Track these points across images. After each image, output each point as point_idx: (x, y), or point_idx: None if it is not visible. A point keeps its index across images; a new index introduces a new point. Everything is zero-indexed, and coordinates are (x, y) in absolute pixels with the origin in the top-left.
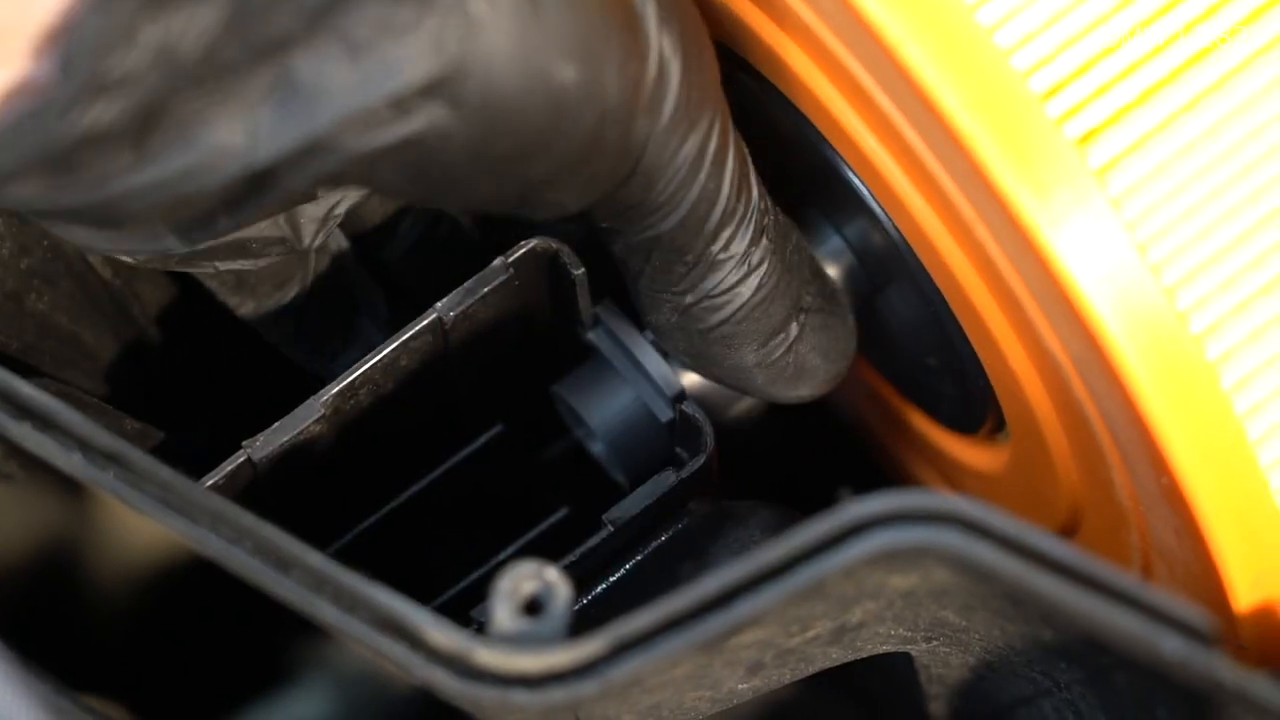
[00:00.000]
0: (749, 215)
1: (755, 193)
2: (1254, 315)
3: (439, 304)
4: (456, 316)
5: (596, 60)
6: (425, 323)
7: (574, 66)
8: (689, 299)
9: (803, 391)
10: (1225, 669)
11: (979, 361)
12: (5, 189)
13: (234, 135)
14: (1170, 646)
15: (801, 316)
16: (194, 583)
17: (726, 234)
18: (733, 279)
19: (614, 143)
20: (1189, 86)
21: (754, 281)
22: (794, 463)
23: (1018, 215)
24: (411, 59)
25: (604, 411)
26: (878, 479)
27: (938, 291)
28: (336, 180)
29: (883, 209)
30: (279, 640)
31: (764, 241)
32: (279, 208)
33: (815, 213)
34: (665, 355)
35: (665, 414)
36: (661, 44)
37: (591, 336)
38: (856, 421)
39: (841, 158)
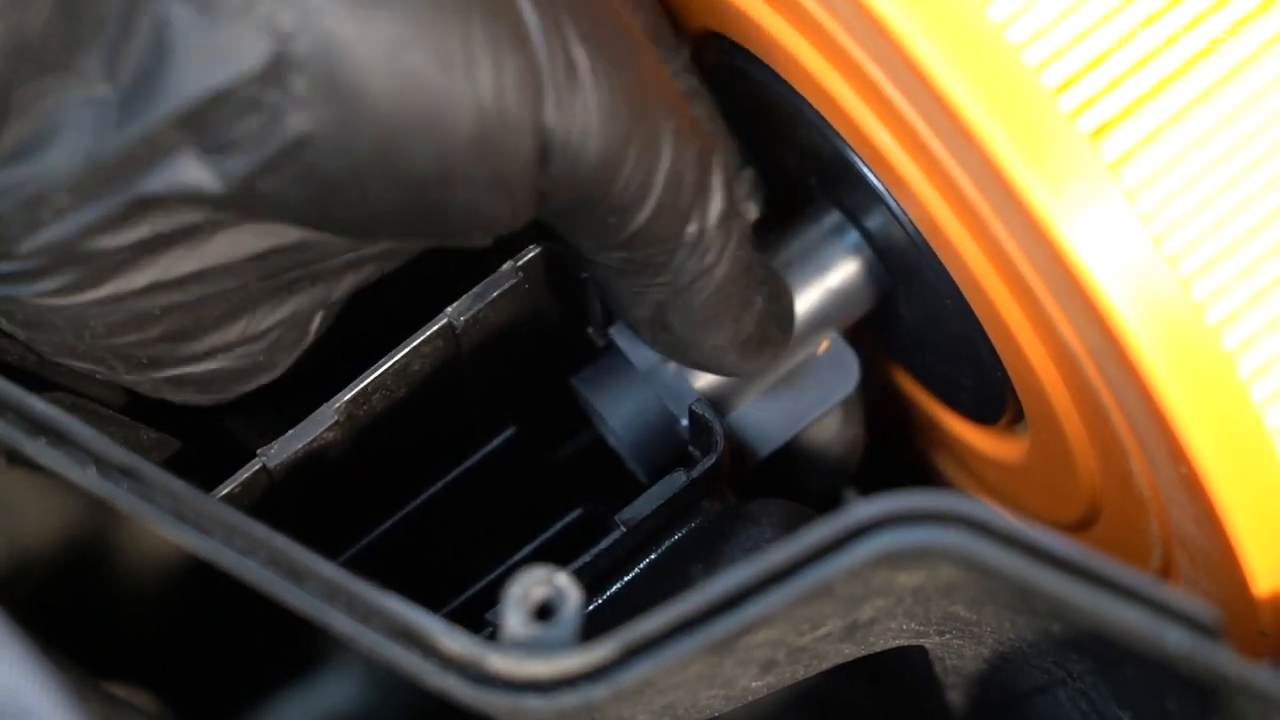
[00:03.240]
0: (714, 190)
1: (719, 168)
2: (1271, 304)
3: (449, 309)
4: (467, 321)
5: (452, 45)
6: (436, 328)
7: (424, 50)
8: (673, 286)
9: (763, 361)
10: (1229, 661)
11: (996, 353)
12: None
13: (81, 127)
14: (1175, 640)
15: (762, 289)
16: (222, 571)
17: (698, 213)
18: (711, 256)
19: (509, 141)
20: (1200, 78)
21: (729, 255)
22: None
23: (1032, 209)
24: (246, 40)
25: (621, 409)
26: (904, 472)
27: (954, 285)
28: (220, 203)
29: (899, 205)
30: (308, 626)
31: (732, 215)
32: (154, 237)
33: (833, 207)
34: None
35: (683, 412)
36: (549, 33)
37: (613, 333)
38: (880, 414)
39: (857, 154)
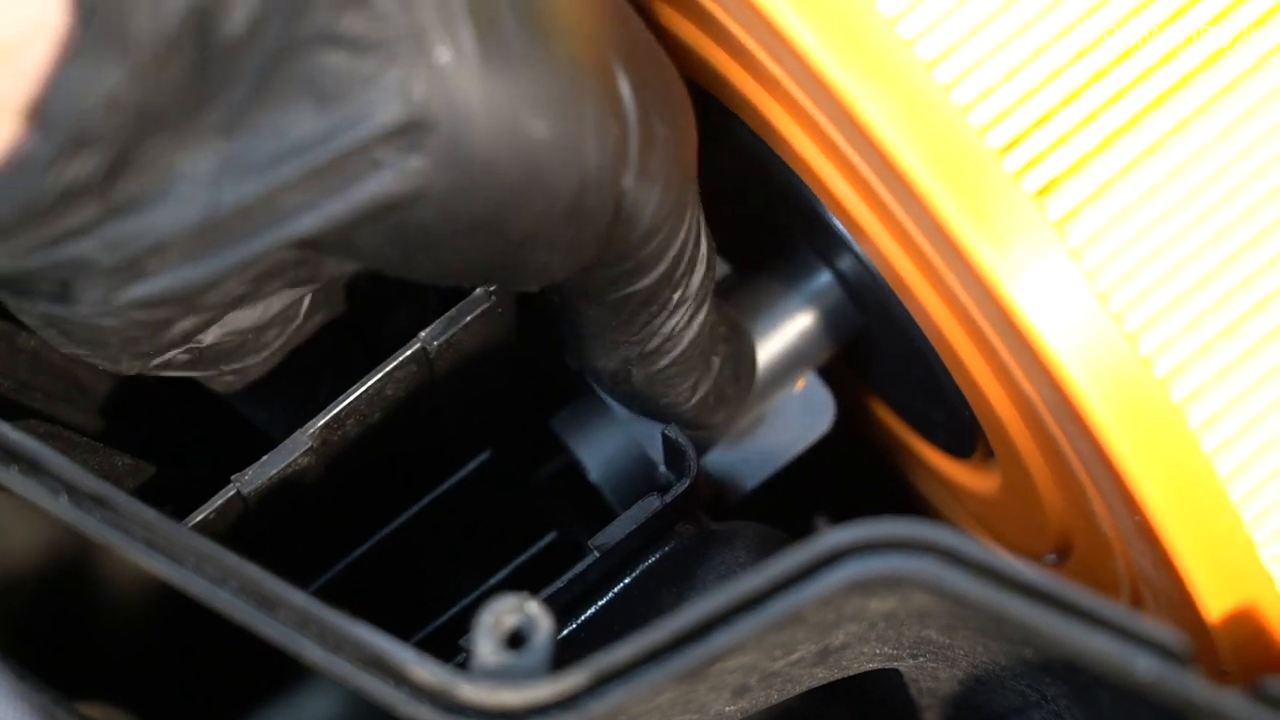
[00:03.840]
0: (702, 258)
1: (706, 236)
2: (1218, 356)
3: (422, 333)
4: (440, 345)
5: (571, 118)
6: (410, 352)
7: (546, 121)
8: (648, 345)
9: (719, 419)
10: (1198, 688)
11: (962, 393)
12: None
13: (197, 181)
14: (1144, 666)
15: (720, 348)
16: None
17: (686, 279)
18: (683, 320)
19: (597, 206)
20: (1145, 135)
21: (699, 320)
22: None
23: (978, 269)
24: (378, 107)
25: (599, 452)
26: (890, 499)
27: (919, 328)
28: (314, 244)
29: (864, 252)
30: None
31: (707, 281)
32: (252, 276)
33: (805, 249)
34: None
35: (659, 456)
36: (638, 104)
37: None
38: (863, 439)
39: (823, 204)
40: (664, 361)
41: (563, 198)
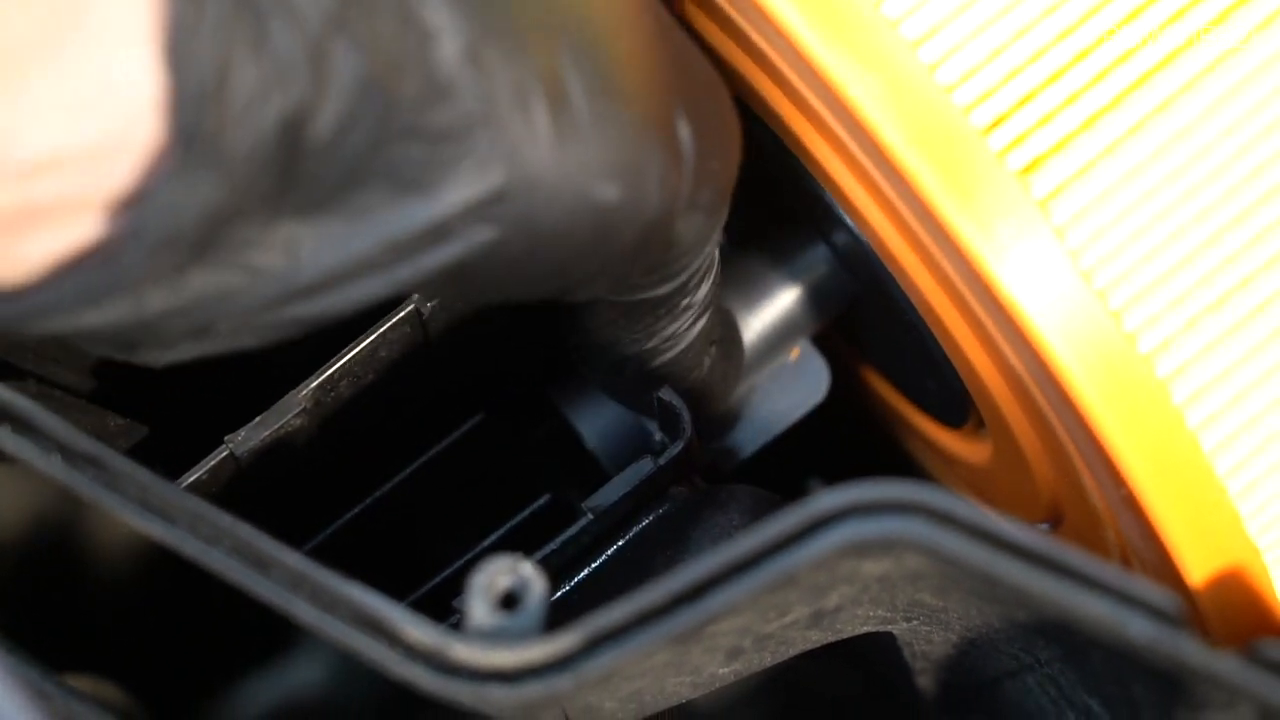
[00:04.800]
0: (715, 266)
1: (718, 249)
2: (1202, 332)
3: (415, 294)
4: (434, 307)
5: (638, 177)
6: (402, 314)
7: (616, 185)
8: (647, 345)
9: (702, 412)
10: (1191, 649)
11: (954, 366)
12: (49, 327)
13: (275, 259)
14: (1137, 628)
15: (713, 349)
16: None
17: (698, 288)
18: (686, 324)
19: (655, 245)
20: (1129, 113)
21: (700, 325)
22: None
23: (964, 248)
24: (455, 189)
25: (596, 422)
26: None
27: (910, 301)
28: (379, 299)
29: (857, 227)
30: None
31: (714, 288)
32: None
33: (801, 221)
34: None
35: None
36: (697, 146)
37: None
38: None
39: (818, 180)
40: (659, 361)
41: (627, 244)
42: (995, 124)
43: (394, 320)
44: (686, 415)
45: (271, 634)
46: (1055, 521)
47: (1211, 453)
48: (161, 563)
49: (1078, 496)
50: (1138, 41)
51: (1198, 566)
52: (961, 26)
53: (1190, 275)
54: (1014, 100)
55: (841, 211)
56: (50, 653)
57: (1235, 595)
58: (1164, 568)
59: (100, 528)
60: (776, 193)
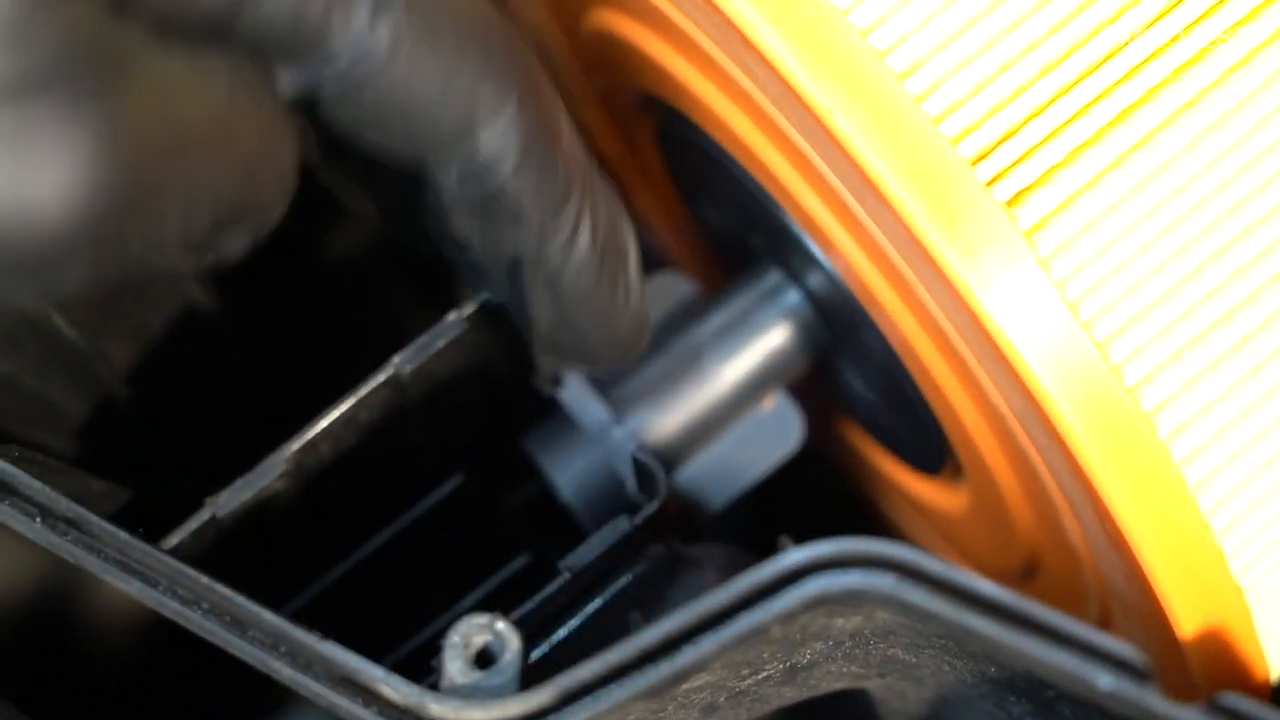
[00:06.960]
0: (586, 195)
1: (584, 176)
2: (1188, 365)
3: (395, 358)
4: (413, 371)
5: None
6: (383, 378)
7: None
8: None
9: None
10: (1158, 703)
11: (932, 408)
12: None
13: None
14: (1104, 682)
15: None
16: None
17: (561, 220)
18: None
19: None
20: (1114, 145)
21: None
22: (774, 506)
23: (950, 278)
24: None
25: (570, 470)
26: (856, 520)
27: (888, 344)
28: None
29: (833, 267)
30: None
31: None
32: None
33: (774, 266)
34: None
35: (629, 473)
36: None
37: (561, 395)
38: (834, 464)
39: (792, 219)
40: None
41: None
42: (982, 156)
43: (374, 384)
44: (662, 474)
45: (263, 697)
46: (1032, 569)
47: (1196, 487)
48: (157, 624)
49: (1057, 541)
50: (1120, 76)
51: (1182, 606)
52: (948, 58)
53: (1175, 308)
54: (1001, 133)
55: (818, 253)
56: (47, 715)
57: (1219, 635)
58: (1146, 609)
59: (96, 588)
60: (748, 237)
